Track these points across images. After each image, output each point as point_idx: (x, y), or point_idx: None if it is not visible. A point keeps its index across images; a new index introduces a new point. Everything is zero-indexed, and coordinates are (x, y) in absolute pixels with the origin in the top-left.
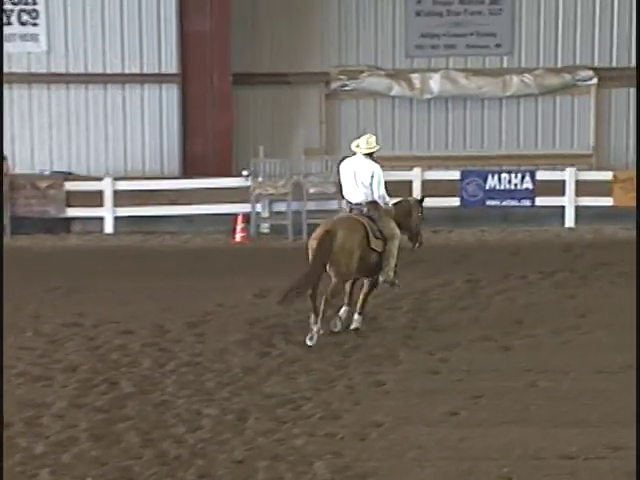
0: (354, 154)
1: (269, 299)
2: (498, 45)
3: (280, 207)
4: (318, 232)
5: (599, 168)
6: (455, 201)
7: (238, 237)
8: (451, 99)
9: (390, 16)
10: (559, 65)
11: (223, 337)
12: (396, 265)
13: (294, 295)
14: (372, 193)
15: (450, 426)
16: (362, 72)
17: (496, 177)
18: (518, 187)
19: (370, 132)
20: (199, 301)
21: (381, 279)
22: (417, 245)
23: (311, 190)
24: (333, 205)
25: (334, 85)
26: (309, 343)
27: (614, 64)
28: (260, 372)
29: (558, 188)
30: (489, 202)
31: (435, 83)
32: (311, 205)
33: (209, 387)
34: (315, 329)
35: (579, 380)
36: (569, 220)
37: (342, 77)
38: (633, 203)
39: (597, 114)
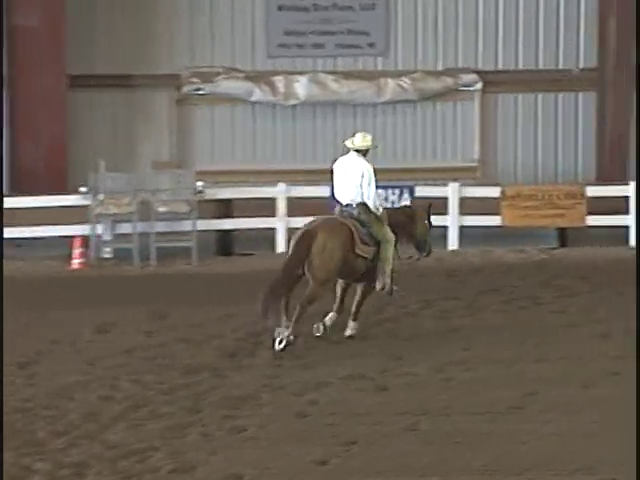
0: (348, 152)
1: (112, 334)
2: (371, 45)
3: (125, 229)
4: (297, 233)
5: (485, 183)
6: None
7: (75, 263)
8: (319, 105)
9: (249, 10)
10: (440, 68)
11: (58, 379)
12: (393, 271)
13: (271, 302)
14: (362, 194)
15: (319, 477)
16: (218, 74)
17: None
18: (395, 205)
19: (228, 142)
20: (30, 338)
21: (378, 287)
22: (424, 255)
23: (160, 209)
24: (186, 226)
25: (186, 89)
26: (277, 347)
27: (500, 67)
28: (101, 419)
29: (440, 206)
30: None
31: (301, 87)
32: (160, 226)
33: (41, 437)
34: (286, 333)
35: (462, 422)
36: (452, 242)
37: (195, 80)
38: (523, 222)
39: (482, 122)
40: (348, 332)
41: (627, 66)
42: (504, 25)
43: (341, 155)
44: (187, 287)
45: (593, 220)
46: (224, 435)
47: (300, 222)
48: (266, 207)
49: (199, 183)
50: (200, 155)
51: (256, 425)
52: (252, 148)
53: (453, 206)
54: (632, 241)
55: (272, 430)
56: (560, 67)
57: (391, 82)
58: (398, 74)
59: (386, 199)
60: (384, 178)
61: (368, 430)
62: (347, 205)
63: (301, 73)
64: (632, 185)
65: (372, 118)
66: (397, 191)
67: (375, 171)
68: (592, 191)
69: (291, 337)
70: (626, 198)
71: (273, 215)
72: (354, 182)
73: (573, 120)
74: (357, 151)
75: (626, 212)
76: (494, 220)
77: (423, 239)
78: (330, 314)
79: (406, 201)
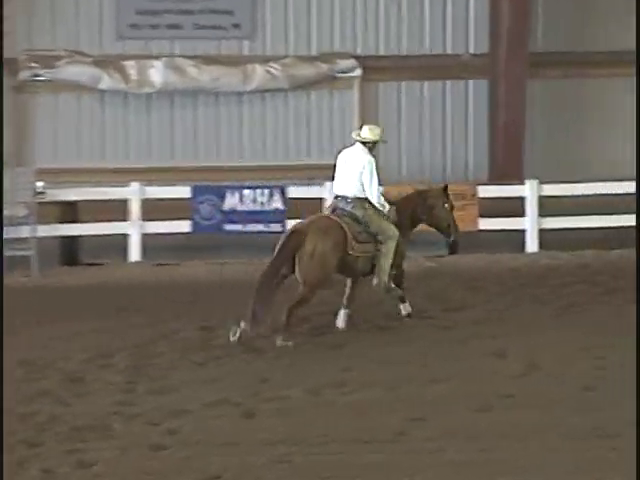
0: (354, 144)
1: None
2: (236, 26)
3: None
4: (285, 233)
5: None
6: (185, 226)
7: None
8: (178, 94)
9: None
10: (314, 53)
11: None
12: (392, 268)
13: (259, 308)
14: (362, 189)
15: None
16: (60, 58)
17: (237, 195)
18: (265, 207)
19: (72, 136)
20: None
21: (374, 283)
22: (452, 238)
23: None
24: (24, 232)
25: (23, 75)
26: (231, 338)
27: (381, 51)
28: None
29: (316, 208)
30: (228, 227)
31: (156, 73)
32: None
33: None
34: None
35: (342, 452)
36: None
37: (34, 65)
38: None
39: (362, 113)
40: (404, 312)
41: (521, 52)
42: (385, 5)
43: (344, 147)
44: (27, 302)
45: (486, 224)
46: (68, 471)
47: (156, 227)
48: (117, 210)
49: (39, 183)
50: (41, 151)
51: (105, 459)
52: (101, 143)
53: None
54: (529, 247)
55: (124, 465)
56: (448, 52)
57: (259, 68)
58: (267, 59)
59: (254, 201)
60: (251, 177)
61: (234, 462)
62: (341, 198)
63: (156, 57)
64: (528, 184)
65: (237, 108)
66: (266, 192)
67: (377, 165)
68: (484, 191)
69: (289, 343)
70: (522, 199)
71: (125, 219)
72: (353, 175)
73: (463, 111)
74: (363, 144)
75: (522, 214)
76: None
77: (446, 224)
78: (342, 311)
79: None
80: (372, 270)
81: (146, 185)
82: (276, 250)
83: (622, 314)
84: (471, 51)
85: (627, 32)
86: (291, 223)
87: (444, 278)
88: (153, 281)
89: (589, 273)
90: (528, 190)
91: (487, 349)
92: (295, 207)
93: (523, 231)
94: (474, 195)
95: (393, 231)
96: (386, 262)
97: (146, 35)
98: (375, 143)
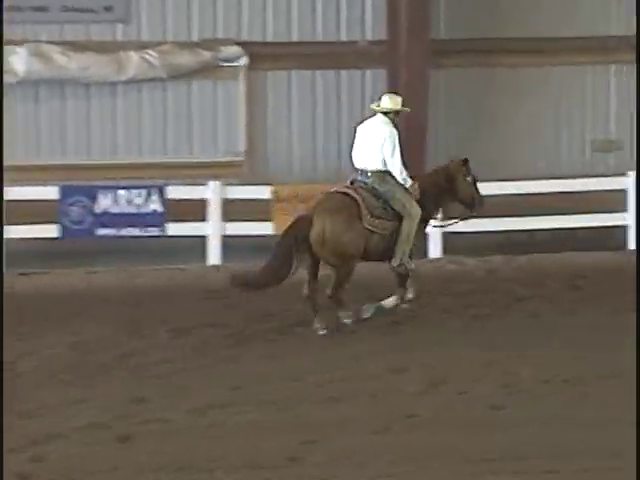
0: (374, 114)
1: None
2: (108, 9)
3: None
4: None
5: (254, 181)
6: (52, 230)
7: None
8: (44, 84)
9: None
10: (195, 39)
11: None
12: (412, 250)
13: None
14: (383, 162)
15: None
16: None
17: (110, 196)
18: (142, 210)
19: None
20: None
21: (394, 264)
22: (475, 210)
23: None
24: None
25: None
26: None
27: (269, 38)
28: None
29: (198, 210)
30: (101, 231)
31: (19, 61)
32: None
33: None
34: (318, 325)
35: (229, 479)
36: (214, 255)
37: None
38: None
39: (249, 106)
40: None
41: (423, 38)
42: None
43: (366, 118)
44: None
45: None
46: None
47: (19, 232)
48: None
49: None
50: None
51: None
52: None
53: (214, 211)
54: (432, 251)
55: None
56: (343, 39)
57: (134, 56)
58: (142, 46)
59: (129, 202)
60: (126, 177)
61: None
62: (361, 172)
63: (19, 43)
64: None
65: (111, 100)
66: (143, 193)
67: (399, 137)
68: None
69: (347, 320)
70: None
71: None
72: (374, 147)
73: (359, 103)
74: (384, 114)
75: None
76: (265, 227)
77: (469, 197)
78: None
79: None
80: (385, 254)
81: (8, 185)
82: (276, 245)
83: (533, 324)
84: (368, 38)
85: (542, 17)
86: (171, 227)
87: None
88: (16, 292)
89: (497, 280)
90: None
91: (387, 364)
92: (175, 209)
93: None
94: None
95: (415, 209)
96: (407, 241)
97: (7, 18)
98: (397, 113)
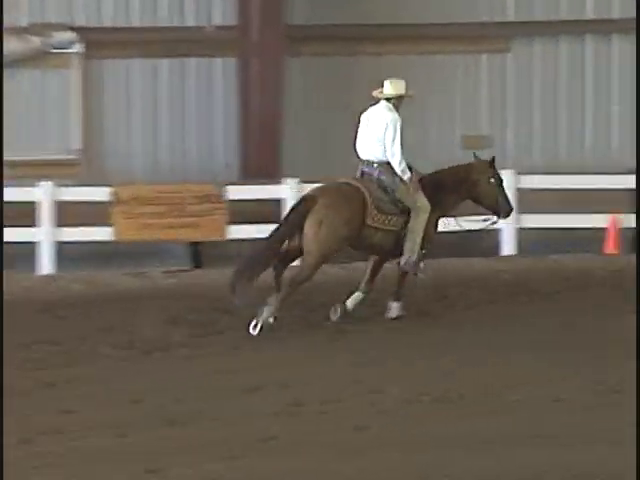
0: (377, 102)
1: None
2: None
3: None
4: (297, 200)
5: (90, 182)
6: None
7: None
8: None
9: None
10: (23, 23)
11: None
12: (423, 248)
13: (243, 280)
14: (385, 151)
15: None
16: None
17: None
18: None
19: None
20: None
21: (401, 262)
22: (503, 216)
23: None
24: None
25: None
26: (252, 331)
27: (106, 23)
28: None
29: (28, 214)
30: None
31: None
32: None
33: None
34: (265, 314)
35: None
36: (46, 263)
37: None
38: (142, 235)
39: (85, 98)
40: (391, 314)
41: (276, 24)
42: None
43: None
44: None
45: (236, 232)
46: None
47: None
48: None
49: None
50: None
51: None
52: None
53: (46, 215)
54: None
55: None
56: (189, 24)
57: None
58: None
59: None
60: None
61: None
62: (367, 163)
63: None
64: (288, 184)
65: None
66: None
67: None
68: (235, 192)
69: (270, 319)
70: (279, 201)
71: None
72: (376, 136)
73: (208, 95)
74: (388, 100)
75: (276, 220)
76: (103, 233)
77: (493, 200)
78: (355, 293)
79: None
80: (397, 249)
81: None
82: (282, 220)
83: (398, 338)
84: (216, 23)
85: (409, 2)
86: None
87: (188, 298)
88: None
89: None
90: (287, 191)
91: (243, 384)
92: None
93: None
94: (221, 198)
95: (423, 204)
96: (415, 238)
97: None
98: (400, 98)
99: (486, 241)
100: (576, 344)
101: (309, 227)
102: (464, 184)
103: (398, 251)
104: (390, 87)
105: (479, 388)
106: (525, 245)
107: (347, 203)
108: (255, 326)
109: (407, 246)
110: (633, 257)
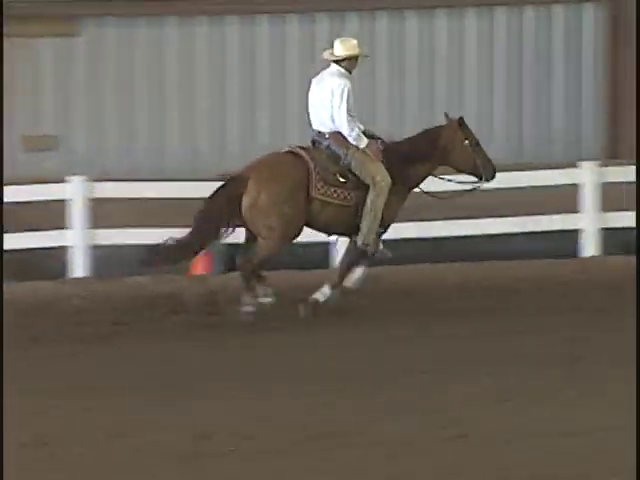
0: (328, 66)
1: None
2: None
3: None
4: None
5: None
6: None
7: None
8: None
9: None
10: None
11: None
12: (382, 226)
13: (158, 258)
14: (332, 118)
15: None
16: None
17: None
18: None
19: None
20: None
21: (358, 242)
22: (487, 179)
23: None
24: None
25: None
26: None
27: None
28: None
29: None
30: None
31: None
32: None
33: None
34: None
35: None
36: None
37: None
38: None
39: None
40: (317, 296)
41: None
42: None
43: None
44: None
45: None
46: None
47: None
48: None
49: None
50: None
51: None
52: None
53: None
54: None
55: None
56: None
57: None
58: None
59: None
60: None
61: None
62: (317, 132)
63: None
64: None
65: None
66: None
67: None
68: None
69: (267, 299)
70: None
71: None
72: (323, 103)
73: None
74: (337, 62)
75: None
76: None
77: (472, 163)
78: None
79: None
80: (354, 228)
81: None
82: (206, 200)
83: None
84: None
85: None
86: None
87: None
88: None
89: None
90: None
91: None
92: None
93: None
94: None
95: (383, 177)
96: (372, 216)
97: None
98: (353, 59)
99: (54, 261)
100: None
101: (248, 211)
102: (435, 151)
103: (353, 230)
104: (340, 47)
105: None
106: (100, 265)
107: (284, 175)
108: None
109: (364, 224)
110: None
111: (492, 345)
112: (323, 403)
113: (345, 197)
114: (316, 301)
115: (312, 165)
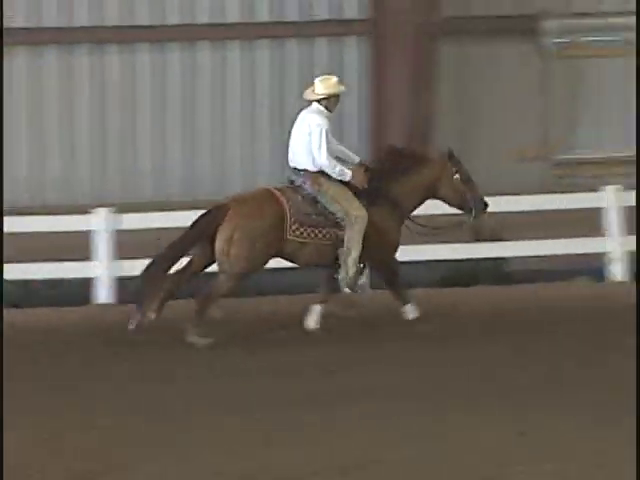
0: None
1: None
2: None
3: None
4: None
5: None
6: None
7: None
8: None
9: None
10: None
11: None
12: (362, 262)
13: (148, 287)
14: (313, 159)
15: None
16: None
17: None
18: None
19: None
20: None
21: (339, 277)
22: (475, 216)
23: None
24: None
25: None
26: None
27: None
28: None
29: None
30: None
31: None
32: None
33: None
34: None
35: None
36: None
37: None
38: None
39: None
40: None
41: None
42: None
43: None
44: None
45: None
46: None
47: None
48: None
49: None
50: None
51: None
52: None
53: None
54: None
55: None
56: None
57: None
58: None
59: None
60: None
61: None
62: (294, 171)
63: None
64: None
65: None
66: None
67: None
68: None
69: (204, 341)
70: None
71: None
72: (301, 143)
73: None
74: (319, 102)
75: None
76: None
77: (459, 199)
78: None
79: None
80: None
81: None
82: (190, 226)
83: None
84: None
85: None
86: None
87: None
88: None
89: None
90: None
91: None
92: None
93: None
94: None
95: (358, 212)
96: (350, 252)
97: None
98: (333, 98)
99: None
100: None
101: (221, 240)
102: (423, 184)
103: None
104: (320, 86)
105: None
106: None
107: (262, 214)
108: (131, 324)
109: (343, 261)
110: None
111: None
112: None
113: (324, 235)
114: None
115: (287, 207)
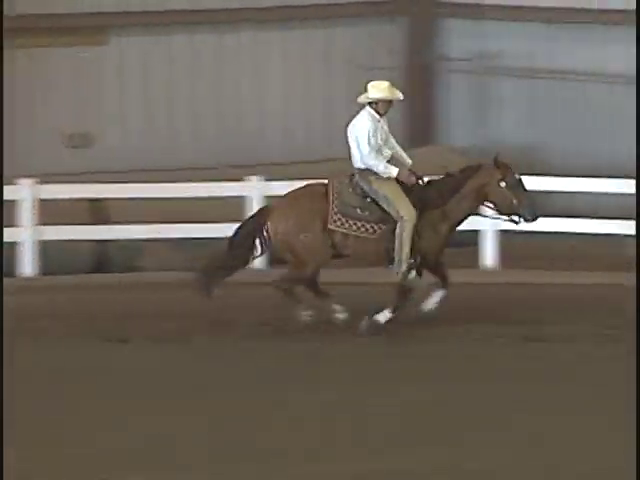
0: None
1: None
2: None
3: None
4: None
5: None
6: None
7: None
8: None
9: None
10: None
11: None
12: (412, 257)
13: (204, 282)
14: (361, 157)
15: None
16: None
17: None
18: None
19: None
20: None
21: (394, 272)
22: (523, 219)
23: None
24: None
25: None
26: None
27: None
28: None
29: None
30: None
31: None
32: None
33: None
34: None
35: None
36: None
37: None
38: None
39: None
40: (377, 317)
41: None
42: None
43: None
44: None
45: None
46: None
47: None
48: None
49: None
50: None
51: None
52: None
53: None
54: None
55: None
56: None
57: None
58: None
59: None
60: None
61: None
62: (356, 169)
63: None
64: None
65: None
66: None
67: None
68: None
69: (341, 315)
70: None
71: None
72: (353, 144)
73: None
74: (370, 105)
75: None
76: None
77: (508, 204)
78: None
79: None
80: (388, 259)
81: None
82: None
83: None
84: None
85: None
86: None
87: None
88: None
89: None
90: None
91: None
92: None
93: None
94: None
95: (407, 211)
96: (401, 247)
97: None
98: (383, 102)
99: None
100: None
101: (274, 239)
102: (472, 191)
103: (390, 260)
104: (372, 90)
105: None
106: None
107: (301, 208)
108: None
109: (395, 256)
110: None
111: None
112: None
113: (367, 229)
114: (377, 322)
115: (332, 198)
